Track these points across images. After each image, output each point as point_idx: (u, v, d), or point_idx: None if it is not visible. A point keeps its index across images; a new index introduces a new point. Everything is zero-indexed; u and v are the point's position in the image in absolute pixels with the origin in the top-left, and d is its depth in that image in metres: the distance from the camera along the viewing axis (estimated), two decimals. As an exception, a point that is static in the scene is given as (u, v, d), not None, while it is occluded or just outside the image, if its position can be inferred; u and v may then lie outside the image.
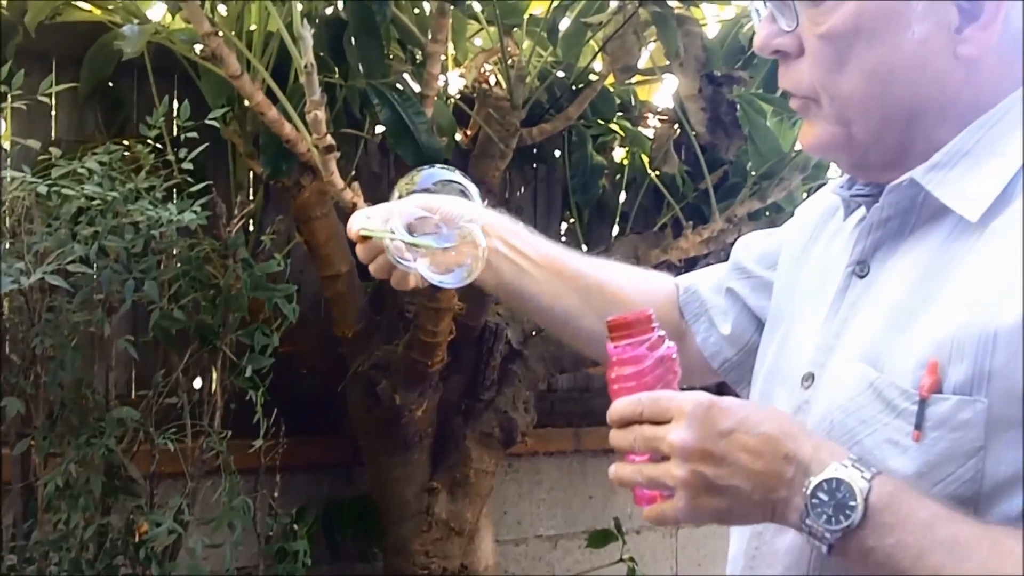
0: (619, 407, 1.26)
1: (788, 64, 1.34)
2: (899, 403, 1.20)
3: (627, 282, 1.75)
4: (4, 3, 2.98)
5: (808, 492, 1.16)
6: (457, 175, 1.63)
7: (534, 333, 3.68)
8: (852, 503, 1.14)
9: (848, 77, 1.27)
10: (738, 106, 3.59)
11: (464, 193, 1.60)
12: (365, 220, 1.54)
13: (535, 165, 4.11)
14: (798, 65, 1.32)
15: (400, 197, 1.60)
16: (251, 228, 3.28)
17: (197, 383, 2.98)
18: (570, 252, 1.72)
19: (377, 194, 3.31)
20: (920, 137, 1.28)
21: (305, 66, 2.52)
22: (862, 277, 1.34)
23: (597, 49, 3.68)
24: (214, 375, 2.96)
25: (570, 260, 1.70)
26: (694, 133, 3.66)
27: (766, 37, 1.34)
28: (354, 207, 2.87)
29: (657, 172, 4.04)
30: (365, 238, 1.53)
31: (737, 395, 1.58)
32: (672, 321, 1.72)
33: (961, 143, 1.26)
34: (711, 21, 4.06)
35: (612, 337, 1.31)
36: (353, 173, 3.25)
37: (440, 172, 1.59)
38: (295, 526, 3.16)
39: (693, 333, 1.72)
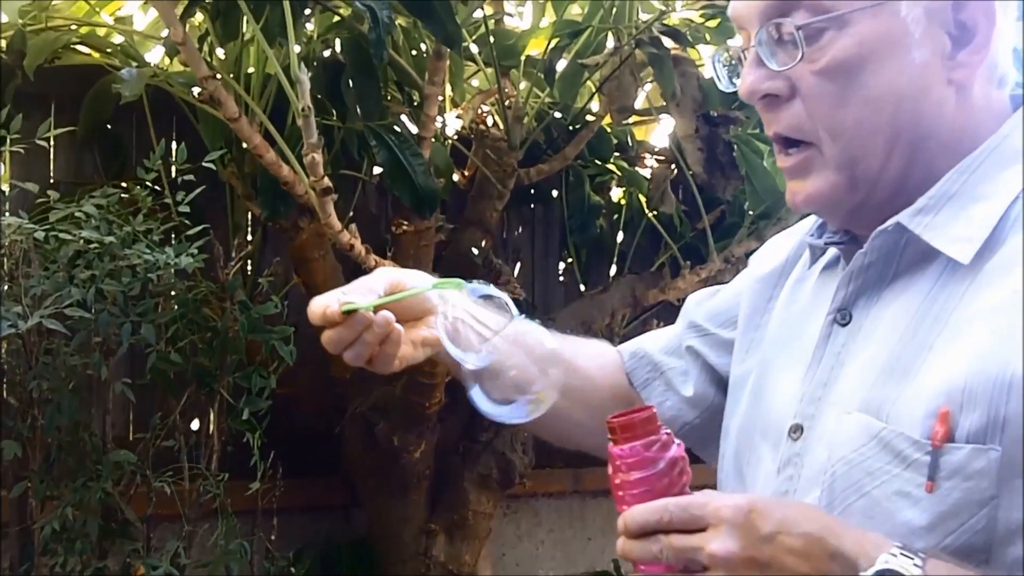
0: (639, 515, 1.16)
1: (778, 109, 1.30)
2: (910, 454, 1.17)
3: (580, 351, 1.68)
4: (3, 46, 2.99)
5: None
6: (492, 290, 1.47)
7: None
8: None
9: (852, 111, 1.25)
10: (735, 146, 3.59)
11: (503, 307, 1.45)
12: (341, 296, 1.37)
13: (532, 205, 4.11)
14: (791, 108, 1.29)
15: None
16: (249, 270, 3.28)
17: (194, 425, 2.97)
18: (523, 321, 1.57)
19: (375, 235, 3.33)
20: (920, 167, 1.27)
21: (303, 109, 2.53)
22: (844, 325, 1.31)
23: (594, 90, 3.69)
24: (211, 417, 2.96)
25: (527, 328, 1.56)
26: (691, 173, 3.66)
27: (754, 82, 1.29)
28: (351, 248, 2.88)
29: (655, 212, 4.04)
30: (347, 315, 1.35)
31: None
32: (620, 390, 1.67)
33: (946, 187, 1.25)
34: (707, 61, 4.07)
35: (616, 439, 1.21)
36: (351, 215, 3.26)
37: (479, 288, 1.43)
38: (292, 569, 3.15)
39: (643, 400, 1.65)
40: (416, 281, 1.45)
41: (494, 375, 1.46)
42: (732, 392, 1.52)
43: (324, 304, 1.36)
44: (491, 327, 1.47)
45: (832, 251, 1.40)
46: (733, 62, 1.37)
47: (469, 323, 1.45)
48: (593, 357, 1.70)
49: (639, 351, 1.69)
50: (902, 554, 1.11)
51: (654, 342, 1.70)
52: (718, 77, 1.38)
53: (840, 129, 1.26)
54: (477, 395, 1.40)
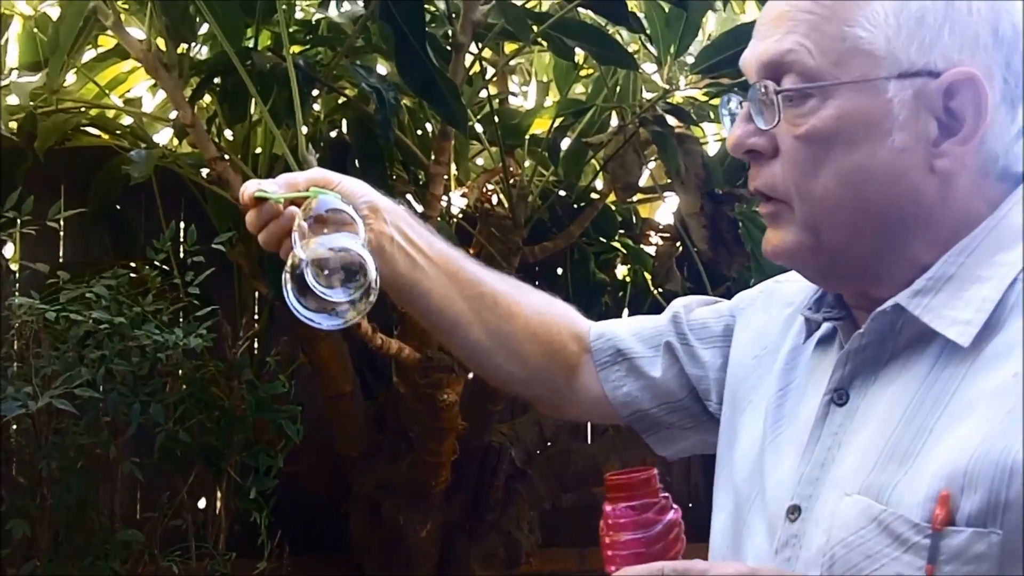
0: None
1: (761, 165, 1.29)
2: (909, 537, 1.15)
3: (525, 300, 1.65)
4: (15, 128, 3.02)
5: None
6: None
7: (538, 452, 3.67)
8: None
9: (823, 180, 1.24)
10: (740, 223, 3.61)
11: (353, 220, 1.45)
12: (263, 184, 1.44)
13: (537, 283, 4.10)
14: (771, 167, 1.28)
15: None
16: (256, 348, 3.29)
17: (202, 504, 2.98)
18: (468, 258, 1.61)
19: (381, 313, 3.34)
20: (891, 250, 1.26)
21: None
22: (841, 405, 1.29)
23: (598, 168, 3.73)
24: (218, 496, 2.96)
25: (467, 265, 1.60)
26: (696, 250, 3.68)
27: (741, 136, 1.29)
28: (358, 327, 2.89)
29: (660, 289, 4.05)
30: (259, 201, 1.43)
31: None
32: (569, 354, 1.64)
33: (944, 268, 1.24)
34: (711, 139, 4.10)
35: (611, 498, 1.21)
36: (357, 293, 3.27)
37: (332, 200, 1.45)
38: (298, 648, 3.14)
39: (600, 379, 1.63)
40: (350, 186, 1.48)
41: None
42: (723, 450, 1.49)
43: (245, 187, 1.43)
44: (422, 247, 1.51)
45: (827, 325, 1.38)
46: (734, 112, 1.37)
47: (397, 240, 1.48)
48: (541, 312, 1.67)
49: (607, 333, 1.66)
50: None
51: (627, 327, 1.67)
52: (723, 123, 1.39)
53: (808, 195, 1.25)
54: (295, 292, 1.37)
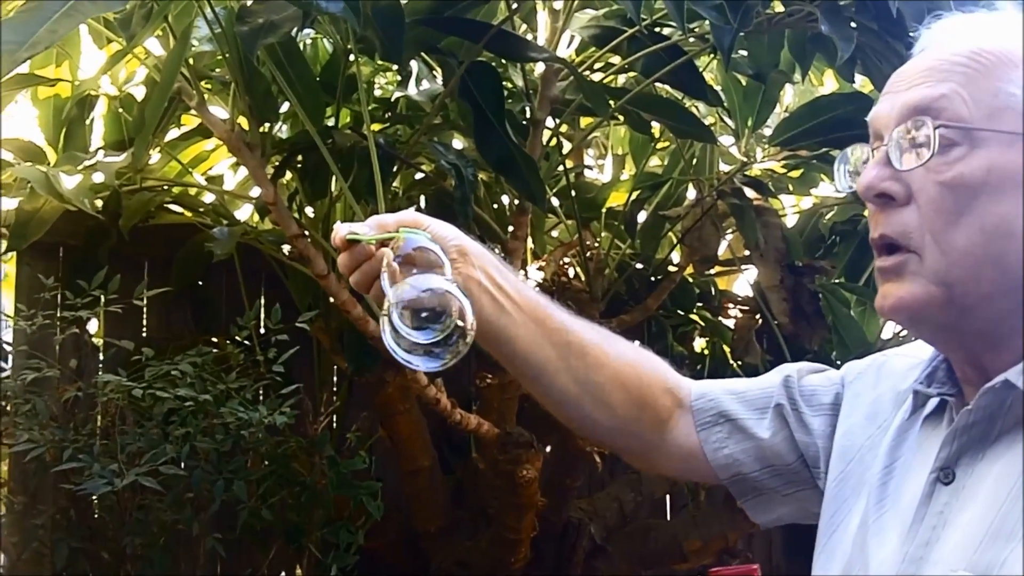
0: None
1: (890, 211, 1.27)
2: None
3: (614, 351, 1.62)
4: (100, 206, 3.06)
5: None
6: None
7: (617, 528, 3.64)
8: None
9: (966, 231, 1.22)
10: (820, 296, 3.58)
11: (440, 260, 1.46)
12: (354, 226, 1.46)
13: (615, 356, 4.09)
14: (902, 214, 1.26)
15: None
16: (335, 424, 3.30)
17: (282, 580, 2.98)
18: (557, 307, 1.60)
19: (459, 388, 3.34)
20: (1017, 312, 1.24)
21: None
22: (947, 484, 1.28)
23: (675, 241, 3.72)
24: (299, 572, 2.95)
25: (554, 312, 1.58)
26: (776, 323, 3.65)
27: (875, 178, 1.27)
28: (437, 403, 2.90)
29: (739, 362, 4.02)
30: (352, 243, 1.45)
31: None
32: (660, 407, 1.61)
33: None
34: (789, 211, 4.08)
35: None
36: (436, 367, 3.27)
37: (419, 239, 1.45)
38: None
39: (701, 439, 1.60)
40: (440, 229, 1.49)
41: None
42: (825, 526, 1.48)
43: (337, 229, 1.46)
44: (509, 292, 1.50)
45: (935, 400, 1.37)
46: (858, 164, 1.35)
47: (484, 284, 1.48)
48: (631, 362, 1.64)
49: (709, 393, 1.63)
50: None
51: (729, 387, 1.64)
52: (838, 176, 1.38)
53: (950, 247, 1.23)
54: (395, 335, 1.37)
